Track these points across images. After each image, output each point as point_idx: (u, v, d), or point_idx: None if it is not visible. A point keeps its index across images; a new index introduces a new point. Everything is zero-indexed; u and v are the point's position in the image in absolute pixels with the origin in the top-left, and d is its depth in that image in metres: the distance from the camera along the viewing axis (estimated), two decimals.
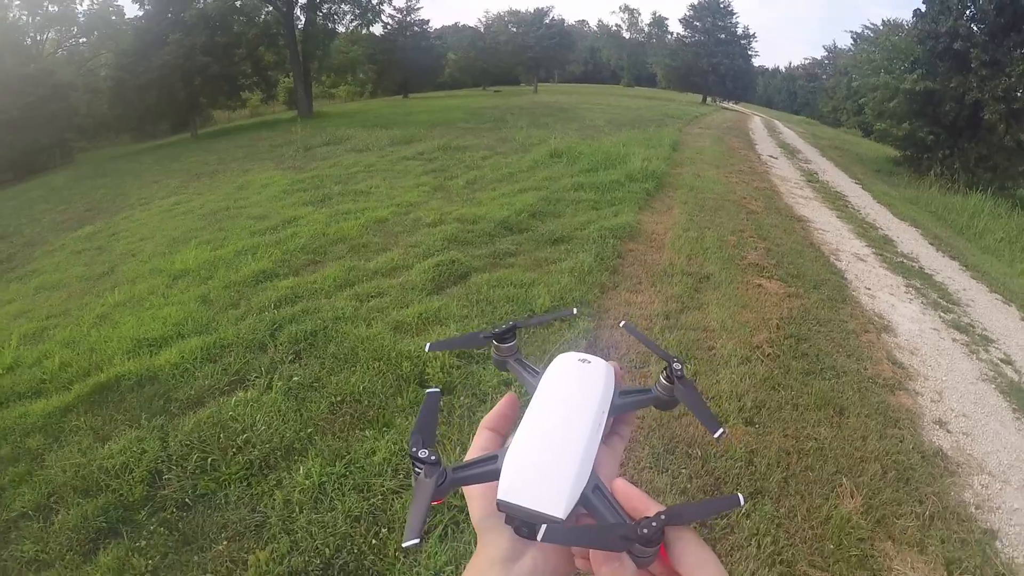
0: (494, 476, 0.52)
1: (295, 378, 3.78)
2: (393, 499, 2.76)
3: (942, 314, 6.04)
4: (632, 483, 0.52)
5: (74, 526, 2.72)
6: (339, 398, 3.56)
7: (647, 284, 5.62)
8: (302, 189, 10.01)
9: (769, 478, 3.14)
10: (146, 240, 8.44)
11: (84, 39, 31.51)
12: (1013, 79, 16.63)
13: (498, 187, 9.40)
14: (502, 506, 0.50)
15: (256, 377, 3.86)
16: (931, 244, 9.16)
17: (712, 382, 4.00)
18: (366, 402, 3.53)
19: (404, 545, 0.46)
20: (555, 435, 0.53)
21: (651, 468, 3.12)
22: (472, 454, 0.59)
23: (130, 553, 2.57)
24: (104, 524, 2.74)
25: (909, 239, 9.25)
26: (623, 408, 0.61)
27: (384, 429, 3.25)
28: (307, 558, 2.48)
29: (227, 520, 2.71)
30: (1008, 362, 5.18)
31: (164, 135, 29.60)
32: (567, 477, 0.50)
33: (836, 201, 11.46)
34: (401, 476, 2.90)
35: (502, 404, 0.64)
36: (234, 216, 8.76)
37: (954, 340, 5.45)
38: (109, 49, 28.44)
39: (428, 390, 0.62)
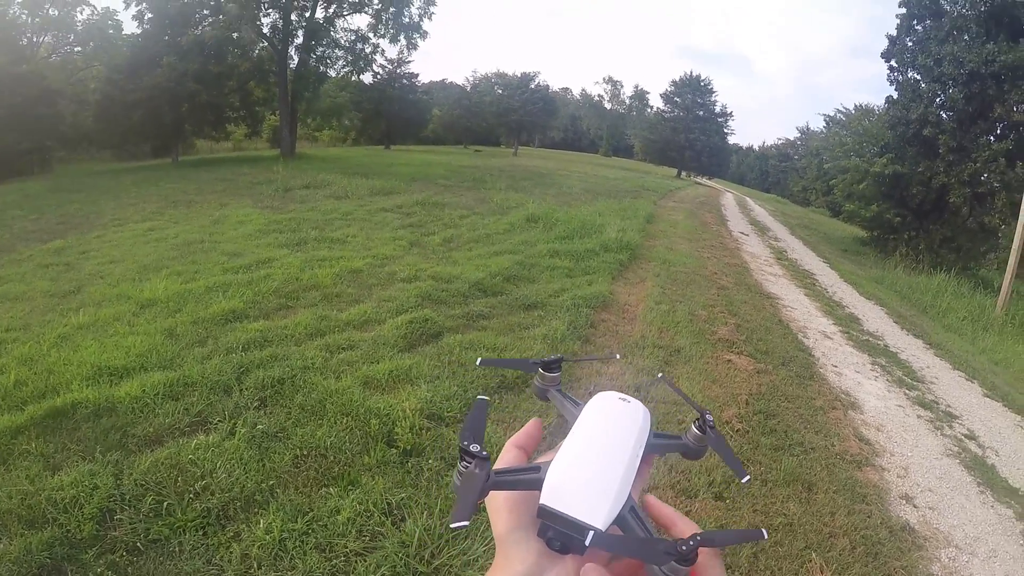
0: (535, 485, 0.54)
1: (259, 426, 3.66)
2: (356, 561, 2.65)
3: (907, 391, 6.15)
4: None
5: (15, 559, 2.55)
6: (304, 451, 3.45)
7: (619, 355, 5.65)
8: (278, 230, 9.98)
9: (739, 554, 3.12)
10: (116, 263, 8.27)
11: (79, 48, 31.17)
12: (979, 164, 17.50)
13: (474, 247, 9.48)
14: (543, 512, 0.51)
15: (219, 421, 3.74)
16: (896, 322, 9.38)
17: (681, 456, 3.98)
18: (332, 458, 3.42)
19: (452, 526, 0.47)
20: (598, 455, 0.56)
21: None
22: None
23: None
24: (48, 560, 2.58)
25: (875, 317, 9.46)
26: (655, 449, 0.63)
27: (349, 488, 3.15)
28: None
29: (180, 570, 2.57)
30: (972, 437, 5.30)
31: (145, 157, 29.40)
32: (609, 493, 0.52)
33: (804, 279, 11.74)
34: (366, 538, 2.80)
35: (529, 425, 0.65)
36: (208, 250, 8.66)
37: (919, 416, 5.55)
38: (102, 62, 28.14)
39: (478, 397, 0.64)
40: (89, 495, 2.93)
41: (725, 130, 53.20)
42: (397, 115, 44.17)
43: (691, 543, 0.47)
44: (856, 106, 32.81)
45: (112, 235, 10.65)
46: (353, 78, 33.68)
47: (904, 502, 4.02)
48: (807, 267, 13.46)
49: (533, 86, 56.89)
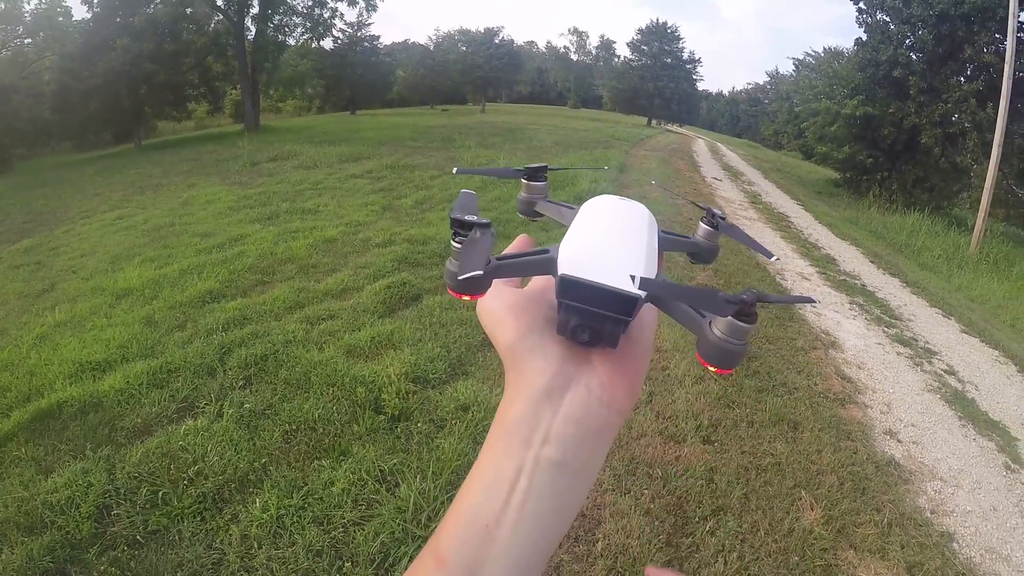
0: (547, 265, 0.45)
1: (246, 405, 3.65)
2: (355, 531, 2.68)
3: (885, 329, 6.25)
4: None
5: (19, 567, 2.55)
6: (293, 426, 3.45)
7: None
8: (248, 206, 9.81)
9: (730, 495, 3.19)
10: (88, 256, 8.12)
11: (29, 40, 30.01)
12: (950, 105, 17.63)
13: (447, 207, 9.31)
14: (565, 286, 0.41)
15: (205, 404, 3.71)
16: (872, 262, 9.50)
17: (668, 402, 4.05)
18: (321, 430, 3.43)
19: (462, 277, 0.40)
20: (613, 229, 0.48)
21: (613, 490, 3.13)
22: None
23: None
24: (51, 564, 2.57)
25: (850, 257, 9.57)
26: (664, 244, 0.55)
27: (341, 458, 3.16)
28: None
29: (182, 558, 2.57)
30: (951, 372, 5.41)
31: (107, 145, 28.72)
32: (639, 259, 0.44)
33: (779, 222, 11.79)
34: (363, 507, 2.83)
35: (517, 241, 0.54)
36: (179, 233, 8.51)
37: (898, 354, 5.65)
38: (54, 51, 27.29)
39: (463, 191, 0.52)
40: (84, 494, 2.91)
41: (694, 76, 53.01)
42: (360, 79, 43.64)
43: (751, 296, 0.40)
44: (825, 49, 32.65)
45: (81, 228, 10.45)
46: (313, 45, 33.24)
47: (888, 437, 4.11)
48: (782, 210, 13.51)
49: (497, 41, 56.36)
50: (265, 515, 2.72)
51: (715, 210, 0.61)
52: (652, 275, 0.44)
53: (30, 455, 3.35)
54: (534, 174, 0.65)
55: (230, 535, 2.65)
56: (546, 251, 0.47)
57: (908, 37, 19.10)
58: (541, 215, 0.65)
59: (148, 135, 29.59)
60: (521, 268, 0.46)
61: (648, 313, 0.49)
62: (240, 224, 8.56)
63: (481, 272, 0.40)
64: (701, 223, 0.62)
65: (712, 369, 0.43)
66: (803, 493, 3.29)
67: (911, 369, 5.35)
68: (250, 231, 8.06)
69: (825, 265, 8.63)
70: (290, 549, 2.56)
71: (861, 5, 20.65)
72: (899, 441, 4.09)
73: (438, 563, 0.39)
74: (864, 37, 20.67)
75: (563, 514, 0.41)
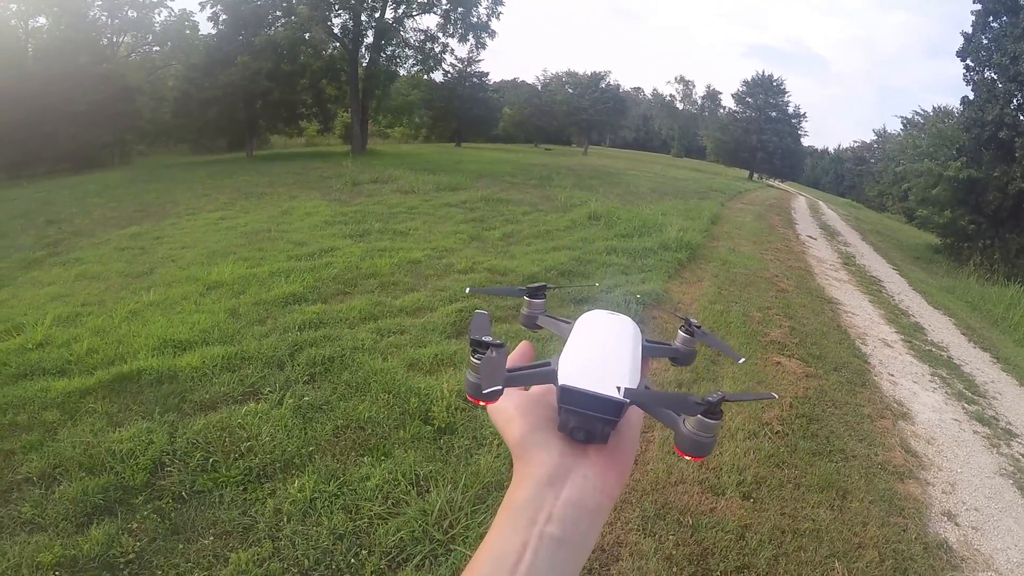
0: (549, 376, 0.53)
1: (306, 398, 3.90)
2: (378, 524, 2.81)
3: (966, 405, 5.88)
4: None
5: (73, 498, 2.85)
6: (344, 423, 3.66)
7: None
8: (343, 222, 10.32)
9: (759, 554, 3.09)
10: (187, 248, 8.78)
11: (157, 47, 33.05)
12: None
13: (533, 243, 9.56)
14: (565, 394, 0.50)
15: (269, 392, 3.99)
16: (963, 334, 8.97)
17: (715, 454, 3.96)
18: (369, 430, 3.61)
19: (486, 391, 0.48)
20: (604, 344, 0.56)
21: (638, 530, 3.10)
22: None
23: (121, 532, 2.69)
24: (101, 501, 2.86)
25: (941, 328, 9.07)
26: (648, 352, 0.63)
27: (382, 458, 3.32)
28: (286, 565, 2.54)
29: (217, 518, 2.80)
30: None
31: (221, 151, 30.89)
32: (624, 372, 0.52)
33: (870, 285, 11.30)
34: (391, 504, 2.95)
35: (521, 346, 0.64)
36: (275, 238, 9.07)
37: (975, 432, 5.30)
38: (180, 61, 29.92)
39: (476, 311, 0.62)
40: (144, 448, 3.22)
41: (799, 131, 51.57)
42: (467, 113, 44.82)
43: (716, 398, 0.47)
44: (934, 108, 31.28)
45: (185, 223, 11.28)
46: (424, 76, 34.34)
47: (946, 519, 3.85)
48: (875, 273, 12.96)
49: (603, 85, 56.77)
50: (300, 495, 2.91)
51: (691, 319, 0.69)
52: (636, 383, 0.52)
53: (104, 409, 3.72)
54: (534, 292, 0.73)
55: (265, 507, 2.85)
56: (547, 363, 0.56)
57: (1016, 96, 18.06)
58: (541, 328, 0.73)
59: (260, 146, 31.55)
60: (528, 379, 0.54)
61: (634, 414, 0.56)
62: (333, 237, 9.03)
63: (501, 388, 0.48)
64: (680, 331, 0.69)
65: (687, 457, 0.50)
66: (837, 564, 3.12)
67: (986, 450, 5.01)
68: (341, 245, 8.49)
69: (912, 333, 8.22)
70: (315, 528, 2.73)
71: (968, 62, 19.72)
72: (957, 524, 3.82)
73: None
74: (971, 96, 19.70)
75: None
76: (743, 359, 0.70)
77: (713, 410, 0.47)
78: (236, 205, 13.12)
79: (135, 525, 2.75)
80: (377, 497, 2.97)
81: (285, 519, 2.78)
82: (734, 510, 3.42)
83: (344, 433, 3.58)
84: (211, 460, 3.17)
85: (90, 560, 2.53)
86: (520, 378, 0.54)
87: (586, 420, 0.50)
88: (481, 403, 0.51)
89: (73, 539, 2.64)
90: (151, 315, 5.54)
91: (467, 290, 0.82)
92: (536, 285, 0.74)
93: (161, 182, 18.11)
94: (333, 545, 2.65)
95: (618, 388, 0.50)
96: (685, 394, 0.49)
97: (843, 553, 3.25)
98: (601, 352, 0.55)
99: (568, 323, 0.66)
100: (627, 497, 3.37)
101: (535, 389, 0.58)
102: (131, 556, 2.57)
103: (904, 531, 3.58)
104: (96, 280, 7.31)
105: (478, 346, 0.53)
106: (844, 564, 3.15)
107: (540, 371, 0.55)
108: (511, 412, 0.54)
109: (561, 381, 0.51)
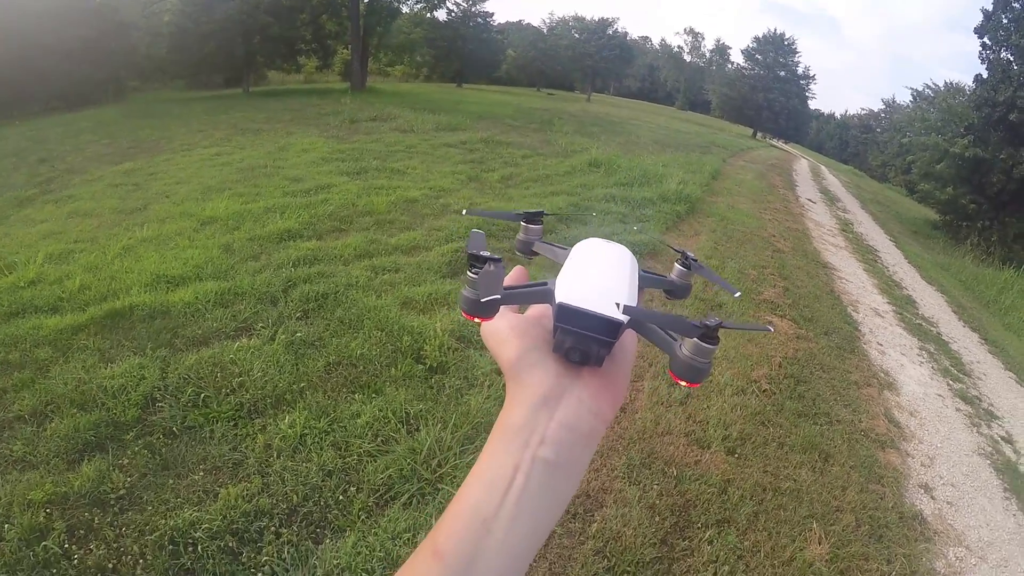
0: (546, 295, 0.53)
1: (299, 334, 3.89)
2: (367, 461, 2.84)
3: (951, 382, 5.96)
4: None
5: (64, 435, 2.86)
6: (336, 359, 3.67)
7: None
8: (340, 159, 10.19)
9: (739, 509, 3.15)
10: (182, 184, 8.67)
11: None
12: None
13: (532, 186, 9.48)
14: (563, 312, 0.49)
15: (262, 328, 3.99)
16: (954, 312, 9.03)
17: (703, 407, 4.02)
18: (361, 367, 3.62)
19: (484, 300, 0.48)
20: (601, 266, 0.56)
21: (624, 478, 3.15)
22: None
23: (112, 468, 2.70)
24: (92, 438, 2.87)
25: (932, 303, 9.12)
26: (644, 281, 0.63)
27: (373, 396, 3.34)
28: (275, 501, 2.58)
29: (208, 453, 2.82)
30: (1009, 440, 5.10)
31: (217, 87, 30.17)
32: (623, 293, 0.51)
33: (866, 254, 11.32)
34: (380, 441, 2.98)
35: (515, 271, 0.62)
36: (270, 174, 8.96)
37: (957, 410, 5.38)
38: None
39: (473, 231, 0.59)
40: (136, 384, 3.23)
41: (806, 93, 50.99)
42: (470, 54, 44.20)
43: (714, 322, 0.47)
44: (946, 83, 30.90)
45: (180, 159, 11.12)
46: (427, 15, 33.55)
47: (922, 491, 3.93)
48: (872, 242, 12.96)
49: (611, 32, 56.10)
50: (291, 431, 2.93)
51: (688, 252, 0.68)
52: (635, 299, 0.52)
53: (96, 346, 3.70)
54: (532, 218, 0.72)
55: (255, 442, 2.88)
56: (544, 283, 0.54)
57: None
58: (537, 254, 0.72)
59: (257, 82, 30.92)
60: (525, 297, 0.53)
61: (629, 341, 0.55)
62: (330, 174, 8.92)
63: (499, 296, 0.48)
64: (676, 264, 0.69)
65: (683, 383, 0.49)
66: (815, 525, 3.19)
67: (966, 428, 5.09)
68: (337, 182, 8.39)
69: (903, 305, 8.27)
70: (305, 465, 2.75)
71: (986, 40, 19.49)
72: (933, 498, 3.90)
73: (436, 557, 0.42)
74: (985, 74, 19.53)
75: (554, 510, 0.46)
76: (739, 293, 0.66)
77: (711, 334, 0.47)
78: (232, 141, 12.91)
79: (126, 461, 2.76)
80: (367, 435, 2.99)
81: (275, 455, 2.81)
82: (718, 464, 3.48)
83: (336, 370, 3.59)
84: (202, 395, 3.17)
85: (80, 497, 2.55)
86: (517, 296, 0.52)
87: (582, 340, 0.49)
88: (477, 319, 0.51)
89: (64, 476, 2.65)
90: (144, 251, 5.49)
91: (463, 211, 0.83)
92: (534, 211, 0.72)
93: (156, 118, 17.79)
94: (322, 481, 2.68)
95: (617, 305, 0.49)
96: (683, 316, 0.48)
97: (821, 515, 3.32)
98: (599, 274, 0.54)
99: (565, 249, 0.64)
100: (614, 444, 3.42)
101: (531, 311, 0.58)
102: (121, 492, 2.59)
103: (881, 499, 3.65)
104: (89, 217, 7.23)
105: (475, 260, 0.51)
106: (822, 526, 3.22)
107: (537, 290, 0.54)
108: (506, 333, 0.53)
109: (559, 299, 0.50)
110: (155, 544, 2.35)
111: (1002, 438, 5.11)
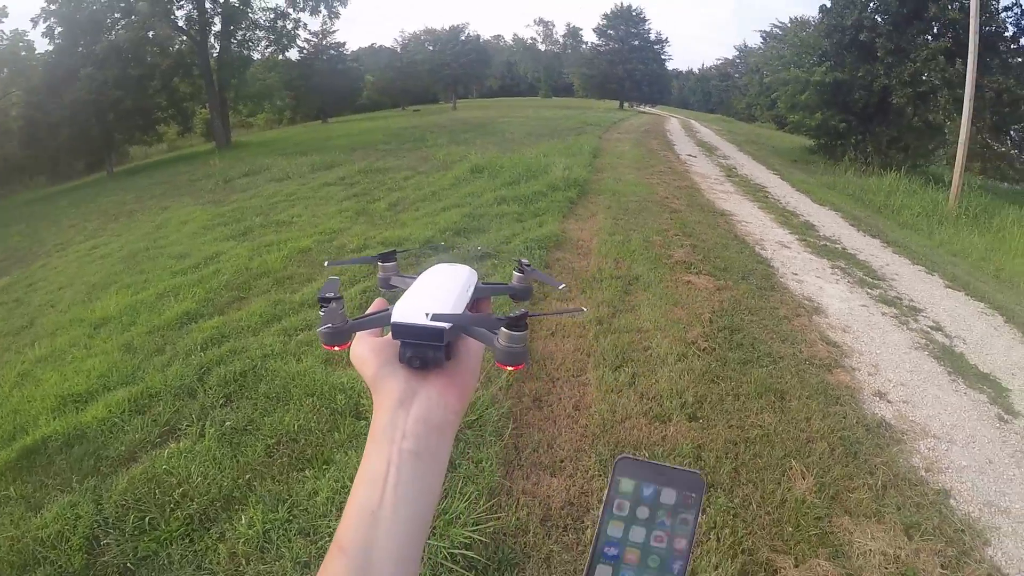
0: (385, 320, 0.61)
1: (227, 423, 3.62)
2: None
3: (869, 290, 6.28)
4: None
5: None
6: (275, 439, 3.42)
7: (576, 291, 5.64)
8: (223, 223, 9.74)
9: (719, 470, 3.17)
10: (65, 288, 8.05)
11: None
12: (918, 64, 17.70)
13: (421, 207, 9.38)
14: (396, 329, 0.58)
15: (187, 425, 3.67)
16: (851, 225, 9.55)
17: (651, 382, 4.03)
18: (303, 440, 3.40)
19: (326, 329, 0.60)
20: (433, 287, 0.65)
21: (599, 476, 3.09)
22: None
23: None
24: None
25: (830, 222, 9.61)
26: (484, 291, 0.73)
27: (324, 467, 3.13)
28: None
29: None
30: (938, 328, 5.43)
31: (80, 175, 28.27)
32: (446, 303, 0.61)
33: (756, 193, 11.84)
34: None
35: (375, 303, 0.70)
36: (154, 257, 8.45)
37: (883, 314, 5.67)
38: (19, 87, 26.77)
39: (330, 277, 0.68)
40: (73, 527, 2.87)
41: (663, 56, 53.44)
42: (329, 88, 43.11)
43: (518, 314, 0.56)
44: (791, 19, 32.78)
45: (57, 261, 10.41)
46: (279, 57, 32.88)
47: (878, 399, 4.10)
48: (758, 181, 13.56)
49: (463, 38, 56.47)
50: (251, 531, 2.68)
51: (522, 260, 0.77)
52: (460, 310, 0.61)
53: (19, 493, 3.29)
54: (386, 257, 0.80)
55: (218, 554, 2.61)
56: (387, 310, 0.63)
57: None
58: (396, 287, 0.79)
59: (120, 161, 29.23)
60: (369, 323, 0.63)
61: (474, 345, 0.63)
62: (215, 242, 8.49)
63: (343, 326, 0.61)
64: (514, 272, 0.77)
65: (509, 368, 0.56)
66: (793, 463, 3.26)
67: (897, 328, 5.37)
68: (225, 248, 7.99)
69: (804, 232, 8.67)
70: (277, 563, 2.53)
71: None
72: (889, 402, 4.09)
73: (340, 551, 0.49)
74: (828, 4, 20.74)
75: (427, 495, 0.53)
76: (562, 286, 0.80)
77: (517, 323, 0.55)
78: (106, 230, 12.19)
79: None
80: (331, 511, 2.79)
81: (243, 561, 2.56)
82: (685, 433, 3.50)
83: (277, 450, 3.35)
84: (147, 519, 2.86)
85: None
86: (363, 323, 0.62)
87: (417, 349, 0.57)
88: (335, 347, 0.61)
89: None
90: (42, 372, 5.01)
91: (325, 263, 0.87)
92: (387, 251, 0.81)
93: (23, 222, 16.60)
94: (300, 575, 2.48)
95: (426, 315, 0.57)
96: (491, 314, 0.62)
97: (795, 451, 3.39)
98: (428, 293, 0.63)
99: (414, 278, 0.72)
100: (579, 445, 3.37)
101: (387, 335, 0.64)
102: None
103: (844, 418, 3.79)
104: None
105: (323, 301, 0.61)
106: (799, 461, 3.29)
107: (379, 315, 0.63)
108: (366, 354, 0.60)
109: (393, 319, 0.58)
110: None
111: (931, 328, 5.44)
